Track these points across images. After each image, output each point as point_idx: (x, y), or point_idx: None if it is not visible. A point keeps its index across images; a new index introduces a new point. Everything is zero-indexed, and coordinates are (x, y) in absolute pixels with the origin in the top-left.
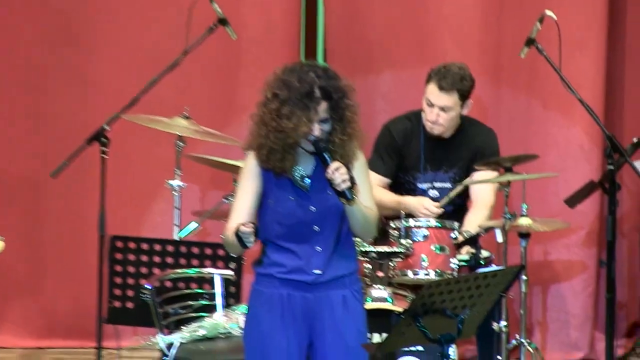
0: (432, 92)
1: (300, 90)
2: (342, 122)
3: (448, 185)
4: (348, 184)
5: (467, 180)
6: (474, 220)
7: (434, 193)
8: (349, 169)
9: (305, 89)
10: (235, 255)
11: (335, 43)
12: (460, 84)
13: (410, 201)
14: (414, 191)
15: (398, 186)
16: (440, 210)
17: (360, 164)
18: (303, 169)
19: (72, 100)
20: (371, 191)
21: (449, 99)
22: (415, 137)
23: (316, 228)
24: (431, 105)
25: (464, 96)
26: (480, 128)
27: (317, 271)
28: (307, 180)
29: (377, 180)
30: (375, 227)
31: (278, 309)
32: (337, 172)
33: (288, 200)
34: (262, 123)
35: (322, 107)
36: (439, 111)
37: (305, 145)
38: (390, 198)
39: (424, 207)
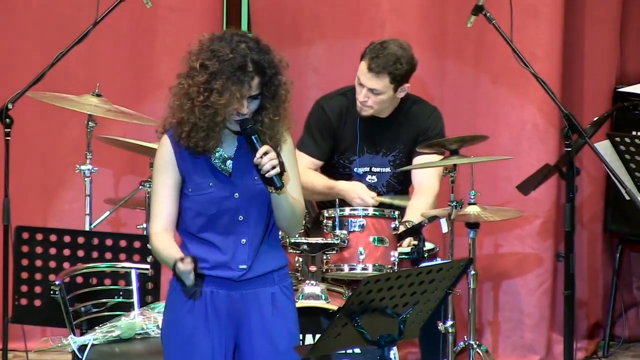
0: (362, 71)
1: (232, 62)
2: (274, 100)
3: (387, 170)
4: (277, 170)
5: (410, 166)
6: (417, 208)
7: (371, 178)
8: (278, 154)
9: (238, 62)
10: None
11: (261, 11)
12: (392, 66)
13: (344, 187)
14: (349, 176)
15: (332, 170)
16: (375, 202)
17: (288, 148)
18: (224, 150)
19: None
20: (299, 180)
21: (378, 82)
22: (350, 116)
23: (241, 217)
24: (361, 85)
25: (396, 80)
26: (424, 107)
27: (243, 266)
28: (229, 163)
29: (308, 162)
30: (302, 222)
31: (201, 308)
32: (265, 157)
33: (208, 187)
34: (185, 97)
35: (254, 83)
36: (368, 92)
37: (231, 124)
38: (322, 182)
39: (358, 197)
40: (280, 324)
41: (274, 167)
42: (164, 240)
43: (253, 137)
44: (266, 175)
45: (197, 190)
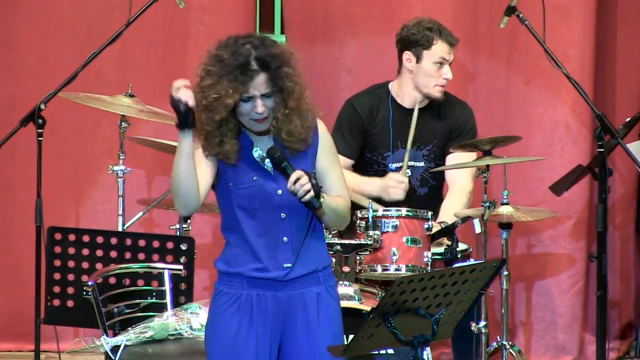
0: (445, 50)
1: (232, 63)
2: (282, 93)
3: (422, 164)
4: (312, 194)
5: (443, 166)
6: (451, 208)
7: (406, 173)
8: (310, 176)
9: (238, 62)
10: (181, 200)
11: (294, 12)
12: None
13: (376, 181)
14: (383, 172)
15: (365, 167)
16: (406, 179)
17: (326, 145)
18: (261, 150)
19: None
20: (342, 176)
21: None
22: (381, 113)
23: (283, 215)
24: (442, 63)
25: None
26: (456, 102)
27: (287, 265)
28: (268, 162)
29: (340, 161)
30: (348, 217)
31: (246, 311)
32: (297, 184)
33: (251, 180)
34: (196, 105)
35: (261, 80)
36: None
37: (253, 126)
38: (355, 180)
39: (391, 180)
40: (325, 324)
41: (307, 192)
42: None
43: (283, 164)
44: (301, 200)
45: (240, 184)
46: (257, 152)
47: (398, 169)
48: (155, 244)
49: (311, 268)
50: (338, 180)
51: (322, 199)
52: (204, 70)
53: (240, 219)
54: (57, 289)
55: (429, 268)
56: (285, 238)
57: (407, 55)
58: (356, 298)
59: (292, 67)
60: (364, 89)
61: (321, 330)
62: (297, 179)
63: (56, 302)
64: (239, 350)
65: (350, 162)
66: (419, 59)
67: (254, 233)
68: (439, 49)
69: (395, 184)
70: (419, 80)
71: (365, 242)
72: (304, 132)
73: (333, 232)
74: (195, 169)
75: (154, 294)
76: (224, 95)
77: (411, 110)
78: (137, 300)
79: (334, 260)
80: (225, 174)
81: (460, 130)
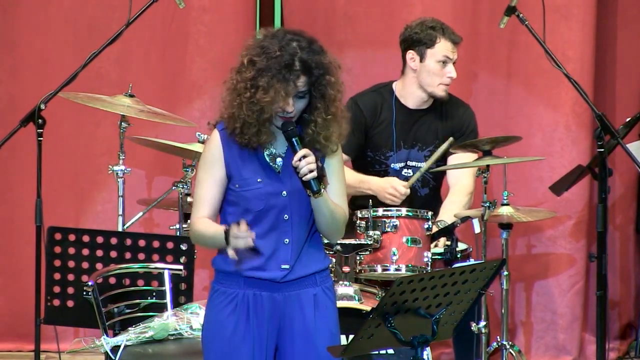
0: (449, 48)
1: (279, 60)
2: (324, 100)
3: (423, 164)
4: (315, 174)
5: (444, 166)
6: (452, 208)
7: (407, 172)
8: (317, 159)
9: (285, 60)
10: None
11: (294, 12)
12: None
13: (377, 181)
14: (385, 172)
15: (367, 166)
16: (407, 191)
17: (337, 157)
18: (275, 148)
19: None
20: (344, 189)
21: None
22: (385, 112)
23: (286, 217)
24: (445, 62)
25: None
26: (457, 103)
27: (285, 266)
28: (280, 161)
29: None
30: (343, 229)
31: (243, 311)
32: (303, 160)
33: (256, 183)
34: (235, 92)
35: (300, 82)
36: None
37: (276, 121)
38: (354, 176)
39: (391, 187)
40: (321, 325)
41: (311, 171)
42: (208, 222)
43: (293, 139)
44: (303, 178)
45: (245, 185)
46: (269, 150)
47: (400, 169)
48: (155, 244)
49: (309, 271)
50: (340, 189)
51: (322, 186)
52: (249, 60)
53: (244, 219)
54: (57, 289)
55: (429, 268)
56: (286, 239)
57: (411, 54)
58: (356, 298)
59: (335, 76)
60: (367, 88)
61: (318, 331)
62: (304, 157)
63: (56, 302)
64: (236, 351)
65: (346, 158)
66: (422, 58)
67: (256, 234)
68: (443, 47)
69: (393, 192)
70: (423, 79)
71: (365, 242)
72: (339, 139)
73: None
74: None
75: (154, 294)
76: (275, 98)
77: (415, 111)
78: (137, 300)
79: (333, 260)
80: (230, 175)
81: (462, 132)
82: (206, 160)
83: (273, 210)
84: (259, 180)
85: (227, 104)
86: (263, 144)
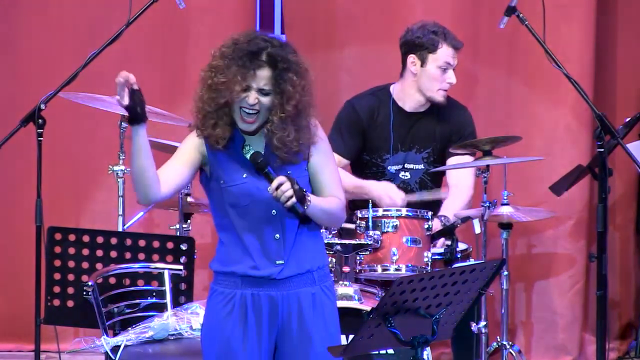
0: (450, 54)
1: (246, 47)
2: (281, 96)
3: (421, 166)
4: (294, 200)
5: (443, 167)
6: (452, 207)
7: (404, 175)
8: (292, 181)
9: (251, 48)
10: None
11: (294, 12)
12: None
13: (375, 187)
14: (382, 174)
15: (364, 168)
16: (404, 203)
17: (322, 147)
18: (253, 147)
19: None
20: (337, 177)
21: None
22: (382, 115)
23: (274, 212)
24: (446, 69)
25: None
26: (455, 105)
27: (280, 261)
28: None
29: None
30: (343, 215)
31: (242, 311)
32: (279, 190)
33: (241, 178)
34: (201, 83)
35: (264, 74)
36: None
37: (240, 122)
38: (351, 181)
39: (387, 196)
40: (320, 325)
41: (289, 198)
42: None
43: (266, 170)
44: (284, 206)
45: (231, 181)
46: (249, 152)
47: (397, 172)
48: (155, 244)
49: (305, 267)
50: (331, 178)
51: (307, 204)
52: (218, 50)
53: (232, 216)
54: (57, 289)
55: (429, 268)
56: (277, 235)
57: (412, 58)
58: (356, 298)
59: (299, 76)
60: (365, 90)
61: (316, 331)
62: (279, 185)
63: (56, 302)
64: (235, 351)
65: (345, 161)
66: (423, 62)
67: (245, 230)
68: (444, 53)
69: (389, 200)
70: (423, 83)
71: (365, 242)
72: (297, 147)
73: (333, 232)
74: (153, 162)
75: (154, 294)
76: (232, 81)
77: (412, 113)
78: (137, 300)
79: (333, 260)
80: (216, 172)
81: (460, 134)
82: (187, 141)
83: (260, 205)
84: (244, 175)
85: (196, 99)
86: (219, 139)
